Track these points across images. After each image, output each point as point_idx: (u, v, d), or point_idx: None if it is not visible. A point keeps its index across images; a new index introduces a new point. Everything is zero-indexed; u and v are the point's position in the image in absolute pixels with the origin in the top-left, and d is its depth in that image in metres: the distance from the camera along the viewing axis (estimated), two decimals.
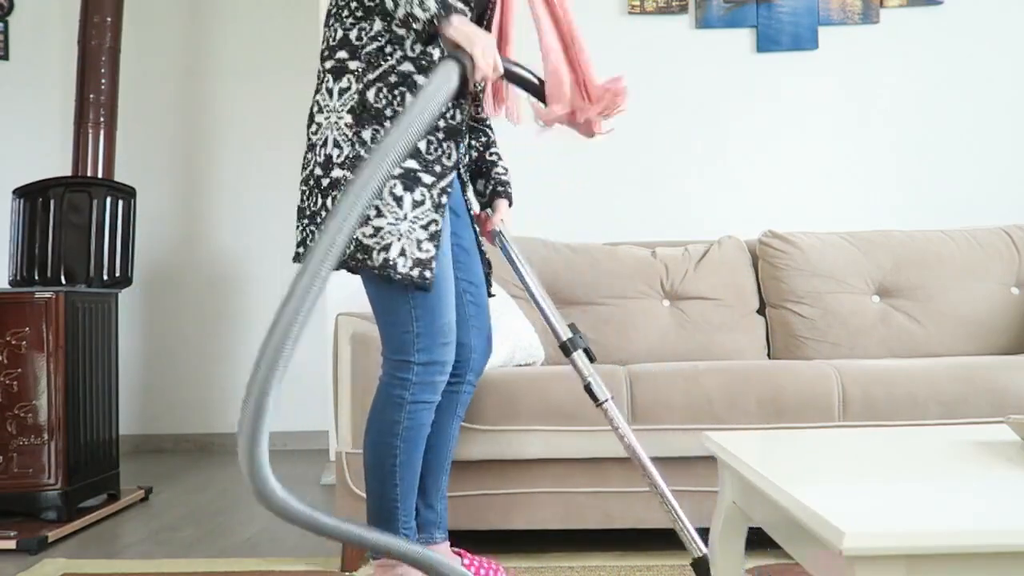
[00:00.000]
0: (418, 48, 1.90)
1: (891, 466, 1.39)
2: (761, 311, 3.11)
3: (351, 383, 2.46)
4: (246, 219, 4.83)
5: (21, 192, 3.26)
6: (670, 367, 2.61)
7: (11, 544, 2.74)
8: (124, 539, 2.92)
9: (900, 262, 3.09)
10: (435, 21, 1.75)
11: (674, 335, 3.00)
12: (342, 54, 1.92)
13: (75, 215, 3.28)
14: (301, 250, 1.95)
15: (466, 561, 2.22)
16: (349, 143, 1.85)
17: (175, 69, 4.87)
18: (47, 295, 3.01)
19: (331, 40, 1.97)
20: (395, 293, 1.90)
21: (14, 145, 4.75)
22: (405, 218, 1.83)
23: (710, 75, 3.69)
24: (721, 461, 1.62)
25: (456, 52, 1.71)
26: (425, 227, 1.85)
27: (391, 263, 1.82)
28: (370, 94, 1.87)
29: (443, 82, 1.54)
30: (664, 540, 2.21)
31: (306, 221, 1.94)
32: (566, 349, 1.99)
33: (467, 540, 2.41)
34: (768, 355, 3.06)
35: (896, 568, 0.96)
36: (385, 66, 1.88)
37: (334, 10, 1.98)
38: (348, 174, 1.83)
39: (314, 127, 1.93)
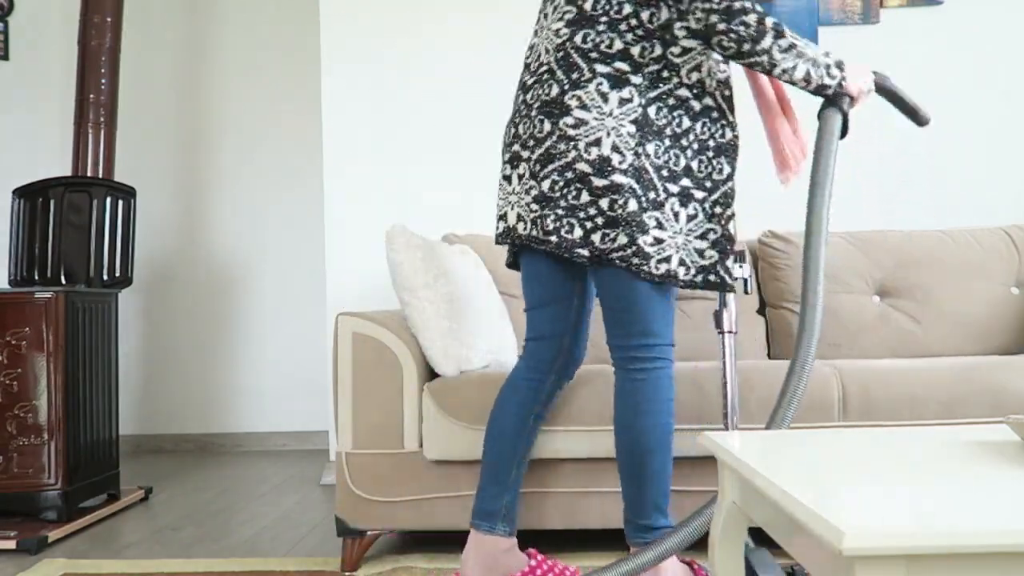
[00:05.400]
0: (694, 76, 2.02)
1: (891, 466, 1.39)
2: (761, 311, 3.11)
3: (351, 383, 2.47)
4: (246, 219, 4.83)
5: (21, 192, 3.26)
6: None
7: (11, 544, 2.74)
8: (124, 539, 2.92)
9: (900, 262, 3.09)
10: (841, 84, 2.01)
11: (674, 335, 2.99)
12: (622, 65, 1.98)
13: (75, 215, 3.28)
14: (515, 224, 2.02)
15: (536, 560, 2.21)
16: (632, 152, 1.94)
17: (175, 69, 4.87)
18: (47, 295, 3.01)
19: (603, 46, 1.99)
20: (658, 292, 2.03)
21: (14, 145, 4.76)
22: (680, 232, 1.97)
23: None
24: (721, 461, 1.62)
25: (837, 100, 2.02)
26: (702, 236, 1.99)
27: (672, 273, 1.95)
28: (651, 111, 1.98)
29: (832, 132, 1.99)
30: None
31: (550, 207, 1.96)
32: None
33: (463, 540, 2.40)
34: (768, 355, 3.06)
35: (896, 568, 0.96)
36: (663, 88, 1.99)
37: (604, 17, 2.00)
38: (632, 182, 1.92)
39: (574, 121, 1.96)
